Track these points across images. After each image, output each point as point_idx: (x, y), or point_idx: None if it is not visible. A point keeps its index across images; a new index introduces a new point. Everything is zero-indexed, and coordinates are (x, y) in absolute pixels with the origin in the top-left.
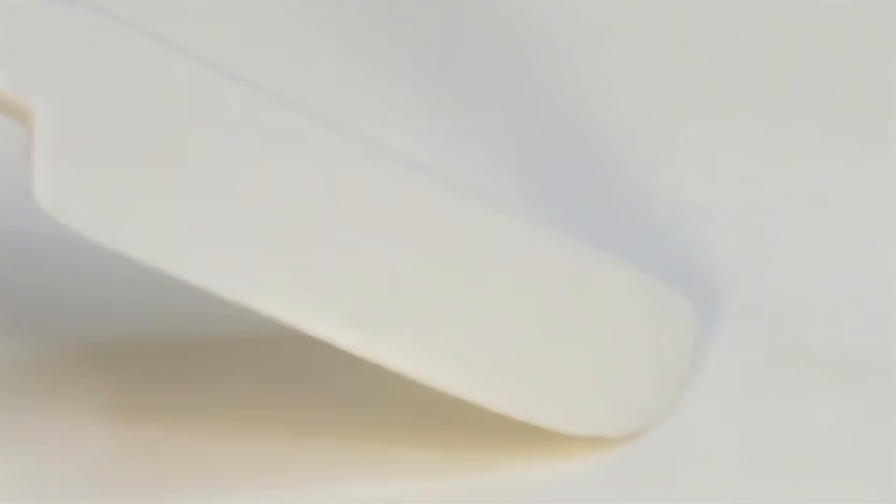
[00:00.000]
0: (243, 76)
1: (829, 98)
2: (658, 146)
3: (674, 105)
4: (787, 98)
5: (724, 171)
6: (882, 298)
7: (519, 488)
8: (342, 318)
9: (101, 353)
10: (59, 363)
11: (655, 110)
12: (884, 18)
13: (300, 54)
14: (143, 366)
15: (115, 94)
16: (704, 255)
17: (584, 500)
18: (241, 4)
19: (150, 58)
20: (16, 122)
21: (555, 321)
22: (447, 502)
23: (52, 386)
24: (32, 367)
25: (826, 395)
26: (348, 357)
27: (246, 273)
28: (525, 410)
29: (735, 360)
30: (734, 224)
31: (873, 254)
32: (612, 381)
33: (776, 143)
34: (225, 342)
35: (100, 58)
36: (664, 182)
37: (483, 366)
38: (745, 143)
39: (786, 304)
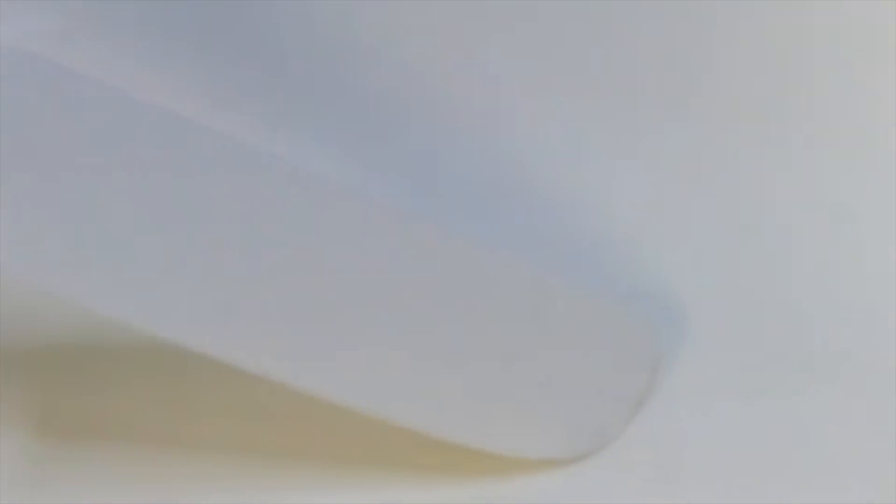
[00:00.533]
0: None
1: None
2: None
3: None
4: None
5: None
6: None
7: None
8: (276, 351)
9: (21, 360)
10: None
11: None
12: None
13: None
14: (64, 374)
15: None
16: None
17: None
18: None
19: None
20: None
21: (505, 346)
22: None
23: None
24: None
25: (821, 395)
26: None
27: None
28: (469, 436)
29: (727, 363)
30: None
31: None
32: (564, 405)
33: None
34: (150, 351)
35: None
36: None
37: (427, 393)
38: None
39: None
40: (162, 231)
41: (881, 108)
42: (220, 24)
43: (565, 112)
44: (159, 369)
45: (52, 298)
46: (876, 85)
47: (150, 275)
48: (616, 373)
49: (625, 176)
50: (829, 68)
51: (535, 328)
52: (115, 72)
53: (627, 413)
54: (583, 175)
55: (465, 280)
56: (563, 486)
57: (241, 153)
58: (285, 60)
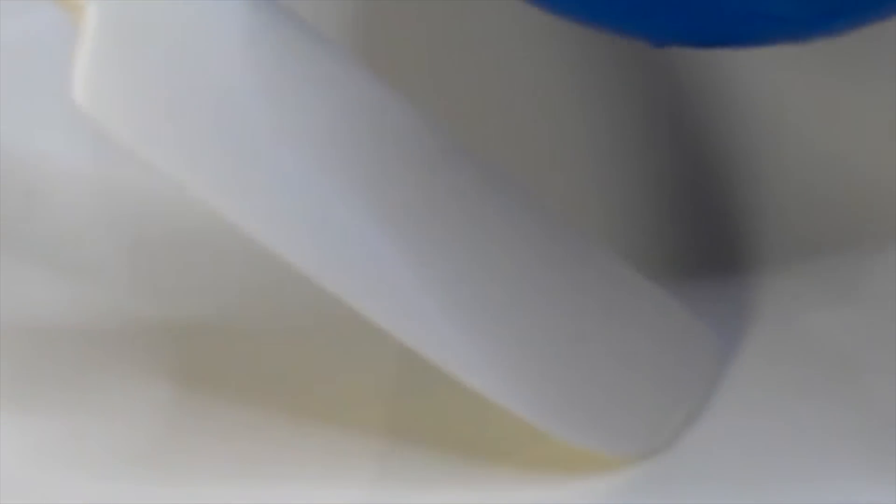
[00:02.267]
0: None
1: None
2: None
3: None
4: None
5: None
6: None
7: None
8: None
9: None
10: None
11: None
12: None
13: None
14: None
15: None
16: None
17: None
18: None
19: None
20: (65, 13)
21: (587, 339)
22: None
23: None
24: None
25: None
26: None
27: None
28: (541, 418)
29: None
30: None
31: None
32: (628, 404)
33: None
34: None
35: None
36: None
37: (514, 371)
38: None
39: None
40: None
41: None
42: None
43: None
44: None
45: None
46: None
47: None
48: (677, 382)
49: None
50: None
51: (615, 324)
52: None
53: (679, 425)
54: None
55: (555, 263)
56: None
57: None
58: None
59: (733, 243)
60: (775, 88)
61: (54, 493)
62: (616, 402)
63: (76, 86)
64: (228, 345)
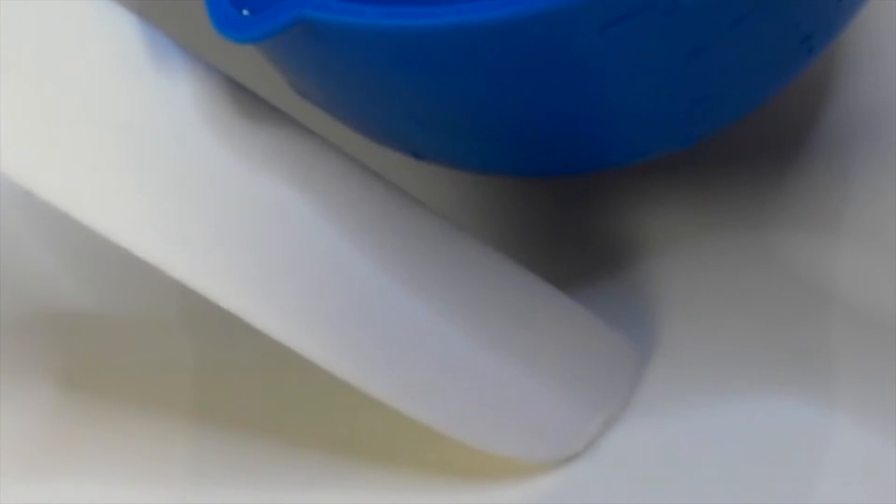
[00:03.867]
0: None
1: None
2: None
3: None
4: None
5: None
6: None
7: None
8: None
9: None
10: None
11: None
12: None
13: None
14: (96, 338)
15: None
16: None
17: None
18: None
19: None
20: None
21: (499, 347)
22: None
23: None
24: None
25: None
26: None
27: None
28: (454, 426)
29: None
30: None
31: None
32: (543, 411)
33: None
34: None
35: None
36: None
37: (422, 378)
38: None
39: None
40: None
41: None
42: None
43: None
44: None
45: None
46: None
47: None
48: (595, 388)
49: None
50: None
51: (531, 333)
52: None
53: (600, 428)
54: None
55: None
56: (555, 487)
57: None
58: None
59: (632, 251)
60: None
61: None
62: (531, 409)
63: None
64: (108, 339)
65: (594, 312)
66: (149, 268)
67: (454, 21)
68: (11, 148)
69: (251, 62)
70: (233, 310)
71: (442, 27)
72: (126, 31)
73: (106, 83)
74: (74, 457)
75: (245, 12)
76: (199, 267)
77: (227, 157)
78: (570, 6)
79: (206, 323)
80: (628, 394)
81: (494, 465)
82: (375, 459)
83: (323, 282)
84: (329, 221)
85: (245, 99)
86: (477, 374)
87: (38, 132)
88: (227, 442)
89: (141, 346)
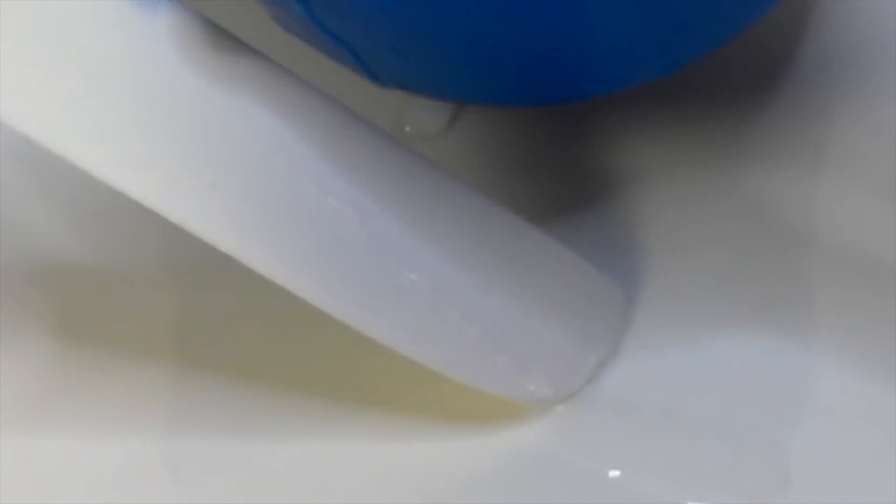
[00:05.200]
0: None
1: None
2: None
3: None
4: None
5: None
6: None
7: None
8: None
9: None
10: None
11: None
12: None
13: None
14: (89, 291)
15: None
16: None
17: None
18: None
19: None
20: None
21: (491, 289)
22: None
23: None
24: None
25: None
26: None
27: None
28: (450, 367)
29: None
30: None
31: None
32: (537, 350)
33: None
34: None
35: None
36: None
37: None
38: None
39: None
40: None
41: None
42: None
43: None
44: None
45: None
46: None
47: None
48: (586, 328)
49: None
50: None
51: (518, 273)
52: None
53: (591, 371)
54: None
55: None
56: (551, 429)
57: None
58: None
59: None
60: None
61: None
62: (524, 347)
63: None
64: (101, 292)
65: (576, 251)
66: (137, 221)
67: None
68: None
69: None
70: (219, 245)
71: None
72: None
73: (88, 21)
74: (67, 408)
75: None
76: (185, 202)
77: (209, 91)
78: None
79: (191, 275)
80: (618, 335)
81: (489, 408)
82: (366, 405)
83: (310, 215)
84: (316, 156)
85: (223, 35)
86: (467, 310)
87: (25, 72)
88: (216, 391)
89: (133, 299)
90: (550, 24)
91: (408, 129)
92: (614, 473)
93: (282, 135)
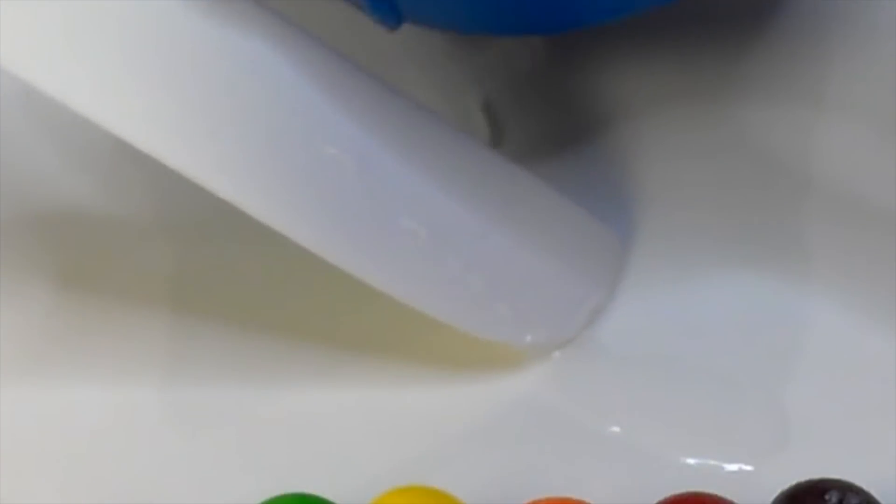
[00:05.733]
0: None
1: None
2: None
3: None
4: None
5: None
6: None
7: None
8: None
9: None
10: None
11: None
12: None
13: None
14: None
15: None
16: None
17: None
18: None
19: None
20: None
21: (488, 235)
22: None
23: None
24: None
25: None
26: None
27: None
28: (448, 314)
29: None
30: None
31: None
32: (533, 296)
33: None
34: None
35: None
36: None
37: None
38: None
39: None
40: None
41: None
42: None
43: None
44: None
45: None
46: None
47: None
48: (582, 274)
49: None
50: None
51: (515, 218)
52: None
53: (590, 315)
54: None
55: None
56: (548, 375)
57: None
58: None
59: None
60: None
61: None
62: (520, 291)
63: None
64: (101, 240)
65: (569, 191)
66: (136, 168)
67: None
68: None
69: None
70: (218, 192)
71: None
72: None
73: None
74: (67, 357)
75: None
76: (183, 148)
77: (208, 35)
78: None
79: (191, 223)
80: (613, 281)
81: (487, 355)
82: (365, 353)
83: (308, 162)
84: (315, 103)
85: None
86: (464, 257)
87: (22, 17)
88: (216, 340)
89: (133, 247)
90: None
91: None
92: (613, 428)
93: (280, 81)
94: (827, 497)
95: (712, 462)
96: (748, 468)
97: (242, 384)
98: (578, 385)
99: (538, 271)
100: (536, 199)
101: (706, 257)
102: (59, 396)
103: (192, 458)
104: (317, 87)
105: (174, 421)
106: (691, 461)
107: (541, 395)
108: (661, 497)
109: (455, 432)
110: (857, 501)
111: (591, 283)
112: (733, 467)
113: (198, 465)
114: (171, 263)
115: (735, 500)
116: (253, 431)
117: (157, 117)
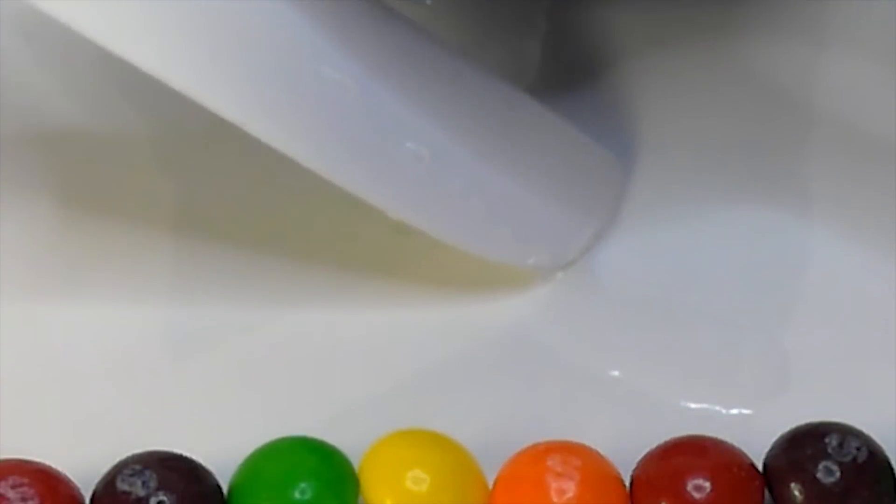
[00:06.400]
0: None
1: None
2: None
3: None
4: None
5: None
6: None
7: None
8: None
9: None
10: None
11: None
12: None
13: None
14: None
15: None
16: None
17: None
18: None
19: None
20: None
21: (490, 158)
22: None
23: None
24: None
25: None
26: None
27: None
28: (452, 235)
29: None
30: None
31: None
32: (536, 218)
33: None
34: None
35: None
36: None
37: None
38: None
39: None
40: None
41: None
42: None
43: None
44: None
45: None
46: None
47: None
48: (584, 197)
49: None
50: None
51: (517, 141)
52: None
53: (592, 238)
54: None
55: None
56: (550, 297)
57: None
58: None
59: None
60: None
61: None
62: (522, 213)
63: None
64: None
65: (572, 121)
66: (139, 86)
67: None
68: None
69: None
70: (221, 112)
71: None
72: None
73: None
74: (68, 275)
75: None
76: (187, 69)
77: None
78: None
79: (194, 142)
80: (615, 207)
81: (489, 276)
82: (368, 274)
83: (310, 85)
84: (316, 27)
85: None
86: (466, 179)
87: None
88: (219, 261)
89: (135, 166)
90: None
91: None
92: (613, 372)
93: (282, 5)
94: (827, 440)
95: (712, 406)
96: (748, 411)
97: (245, 304)
98: (579, 326)
99: (540, 194)
100: (538, 123)
101: (708, 184)
102: (60, 314)
103: (193, 379)
104: (317, 14)
105: (175, 341)
106: (691, 405)
107: (543, 318)
108: (661, 440)
109: (459, 350)
110: (856, 444)
111: (593, 206)
112: (733, 411)
113: (198, 386)
114: (175, 181)
115: (735, 444)
116: (254, 351)
117: (160, 39)
